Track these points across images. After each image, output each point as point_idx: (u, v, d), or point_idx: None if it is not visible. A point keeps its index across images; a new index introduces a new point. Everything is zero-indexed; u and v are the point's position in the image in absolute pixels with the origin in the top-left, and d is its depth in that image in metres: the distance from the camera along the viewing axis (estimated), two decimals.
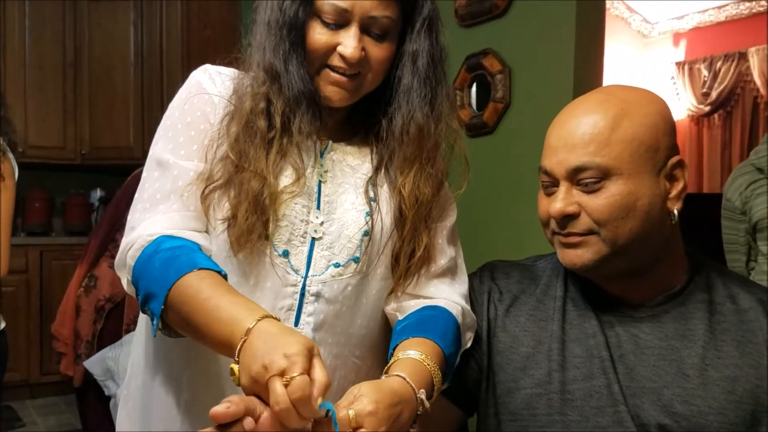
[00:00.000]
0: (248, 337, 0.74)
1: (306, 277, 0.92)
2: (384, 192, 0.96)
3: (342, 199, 0.95)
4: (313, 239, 0.92)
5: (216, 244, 0.91)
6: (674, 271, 0.94)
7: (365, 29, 0.89)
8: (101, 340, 2.67)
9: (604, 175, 0.87)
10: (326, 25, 0.88)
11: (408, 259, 0.95)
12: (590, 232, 0.89)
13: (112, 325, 2.70)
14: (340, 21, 0.88)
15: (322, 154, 0.96)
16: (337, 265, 0.93)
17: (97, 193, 4.31)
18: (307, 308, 0.92)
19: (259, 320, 0.75)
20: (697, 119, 4.99)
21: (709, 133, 4.94)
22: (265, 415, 0.70)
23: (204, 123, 0.93)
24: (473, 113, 2.35)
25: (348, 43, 0.88)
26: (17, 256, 3.29)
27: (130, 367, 1.06)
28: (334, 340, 0.94)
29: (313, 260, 0.92)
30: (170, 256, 0.83)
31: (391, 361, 0.85)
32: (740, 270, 2.27)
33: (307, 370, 0.70)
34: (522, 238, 2.09)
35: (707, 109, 4.88)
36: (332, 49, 0.89)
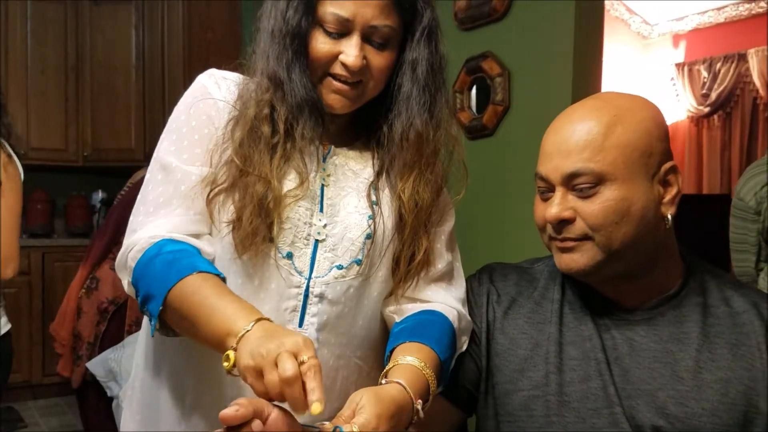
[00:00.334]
0: (250, 330, 0.76)
1: (310, 278, 0.93)
2: (385, 196, 0.97)
3: (345, 203, 0.96)
4: (317, 241, 0.94)
5: (221, 246, 0.93)
6: (669, 274, 0.95)
7: (366, 38, 0.90)
8: (103, 342, 2.68)
9: (599, 180, 0.88)
10: (328, 34, 0.90)
11: (408, 263, 0.97)
12: (585, 237, 0.90)
13: (115, 326, 2.71)
14: (342, 30, 0.89)
15: (324, 159, 0.98)
16: (340, 267, 0.94)
17: (99, 195, 4.32)
18: (311, 309, 0.93)
19: (258, 320, 0.77)
20: (697, 120, 4.99)
21: (708, 134, 4.95)
22: (273, 416, 0.71)
23: (208, 127, 0.94)
24: (473, 116, 2.36)
25: (350, 51, 0.89)
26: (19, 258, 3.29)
27: (134, 368, 1.08)
28: (336, 340, 0.96)
29: (316, 262, 0.94)
30: (171, 259, 0.85)
31: (390, 365, 0.87)
32: (748, 271, 2.25)
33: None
34: (521, 239, 2.10)
35: (707, 110, 4.89)
36: (334, 57, 0.90)
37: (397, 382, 0.82)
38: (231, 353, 0.76)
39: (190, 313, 0.82)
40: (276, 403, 0.73)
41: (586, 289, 0.99)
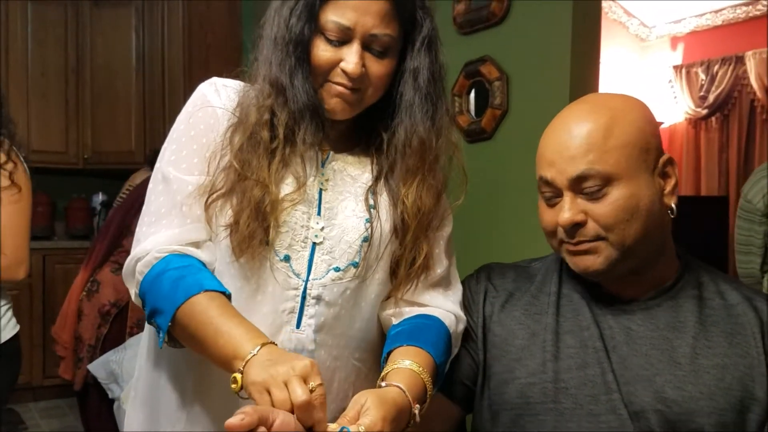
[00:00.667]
0: (257, 354, 0.79)
1: (307, 280, 0.95)
2: (383, 200, 0.99)
3: (342, 206, 0.98)
4: (314, 244, 0.96)
5: (219, 249, 0.95)
6: (666, 269, 0.98)
7: (367, 46, 0.92)
8: (105, 344, 2.70)
9: (606, 181, 0.90)
10: (330, 42, 0.92)
11: (408, 267, 0.99)
12: (598, 238, 0.92)
13: (116, 329, 2.72)
14: (343, 38, 0.91)
15: (323, 164, 0.99)
16: (337, 270, 0.96)
17: (99, 197, 4.32)
18: (309, 311, 0.95)
19: (264, 344, 0.80)
20: (695, 122, 5.01)
21: (706, 136, 4.96)
22: (278, 423, 0.73)
23: (207, 136, 0.96)
24: (471, 119, 2.37)
25: (350, 59, 0.91)
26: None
27: (137, 369, 1.10)
28: (334, 342, 0.98)
29: (314, 264, 0.95)
30: (178, 276, 0.88)
31: (389, 369, 0.89)
32: (753, 273, 2.25)
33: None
34: (519, 241, 2.11)
35: (705, 112, 4.90)
36: (335, 64, 0.92)
37: (397, 386, 0.84)
38: (238, 376, 0.78)
39: (198, 332, 0.85)
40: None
41: (583, 283, 1.01)
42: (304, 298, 0.95)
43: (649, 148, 0.92)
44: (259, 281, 0.94)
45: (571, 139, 0.92)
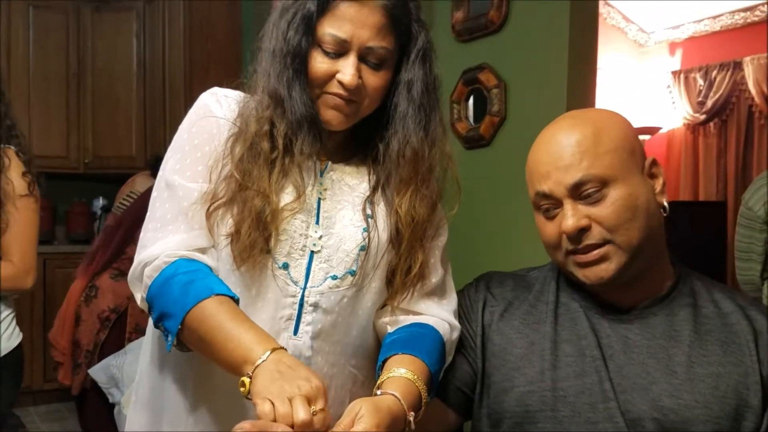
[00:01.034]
0: (266, 360, 0.80)
1: (305, 288, 0.96)
2: (380, 210, 1.01)
3: (340, 216, 1.00)
4: (312, 252, 0.97)
5: (220, 258, 0.97)
6: (661, 277, 0.99)
7: (363, 58, 0.94)
8: (103, 349, 2.70)
9: (603, 184, 0.92)
10: (326, 54, 0.93)
11: (404, 276, 1.00)
12: (604, 242, 0.93)
13: (114, 335, 2.73)
14: (340, 51, 0.93)
15: (321, 174, 1.01)
16: (334, 278, 0.98)
17: (100, 202, 4.33)
18: (306, 318, 0.97)
19: (273, 349, 0.82)
20: (693, 127, 5.01)
21: (704, 141, 4.97)
22: None
23: (209, 144, 0.98)
24: (470, 126, 2.39)
25: (346, 71, 0.93)
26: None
27: (138, 373, 1.11)
28: (331, 349, 0.99)
29: (311, 272, 0.97)
30: (188, 280, 0.89)
31: (385, 377, 0.90)
32: (753, 279, 2.25)
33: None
34: (517, 247, 2.12)
35: (703, 117, 4.90)
36: (332, 76, 0.94)
37: (392, 394, 0.86)
38: (246, 380, 0.80)
39: (208, 336, 0.86)
40: None
41: (580, 292, 1.02)
42: (301, 305, 0.96)
43: (635, 150, 0.96)
44: (259, 288, 0.96)
45: (563, 149, 0.94)
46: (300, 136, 0.95)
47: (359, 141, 1.04)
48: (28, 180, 1.69)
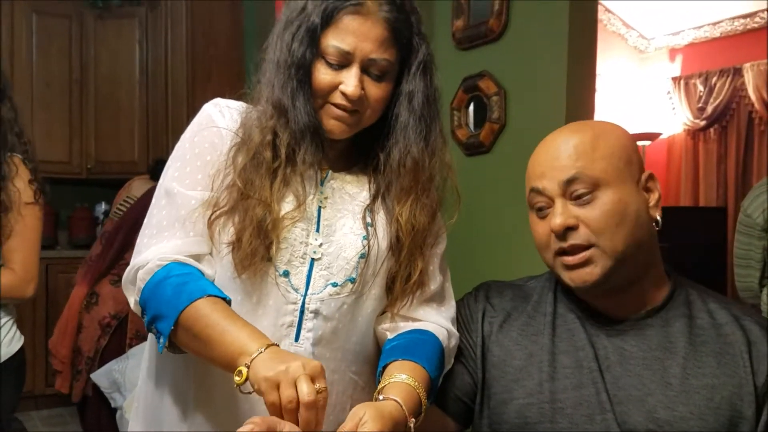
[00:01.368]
0: (264, 352, 0.82)
1: (305, 295, 0.98)
2: (380, 218, 1.02)
3: (341, 224, 1.01)
4: (313, 260, 0.99)
5: (221, 265, 0.98)
6: (656, 287, 1.00)
7: (365, 70, 0.96)
8: (104, 355, 2.71)
9: (594, 186, 0.94)
10: (330, 65, 0.95)
11: (404, 283, 1.02)
12: (589, 245, 0.94)
13: (115, 341, 2.74)
14: (343, 62, 0.95)
15: (322, 182, 1.02)
16: (334, 285, 0.99)
17: (102, 207, 4.35)
18: (307, 324, 0.98)
19: (269, 345, 0.83)
20: (693, 133, 5.03)
21: (704, 147, 4.98)
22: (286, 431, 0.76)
23: (211, 154, 0.99)
24: (470, 133, 2.40)
25: (349, 82, 0.94)
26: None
27: (140, 380, 1.13)
28: (331, 355, 1.00)
29: (312, 279, 0.98)
30: (180, 282, 0.91)
31: (386, 382, 0.92)
32: (751, 286, 2.25)
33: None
34: (517, 254, 2.13)
35: (703, 123, 4.92)
36: (335, 87, 0.96)
37: (394, 400, 0.87)
38: (243, 369, 0.81)
39: (203, 334, 0.87)
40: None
41: (577, 303, 1.03)
42: (302, 312, 0.98)
43: (632, 161, 0.98)
44: (260, 296, 0.97)
45: (561, 151, 0.97)
46: (303, 145, 0.97)
47: (360, 150, 1.06)
48: (34, 188, 1.70)
